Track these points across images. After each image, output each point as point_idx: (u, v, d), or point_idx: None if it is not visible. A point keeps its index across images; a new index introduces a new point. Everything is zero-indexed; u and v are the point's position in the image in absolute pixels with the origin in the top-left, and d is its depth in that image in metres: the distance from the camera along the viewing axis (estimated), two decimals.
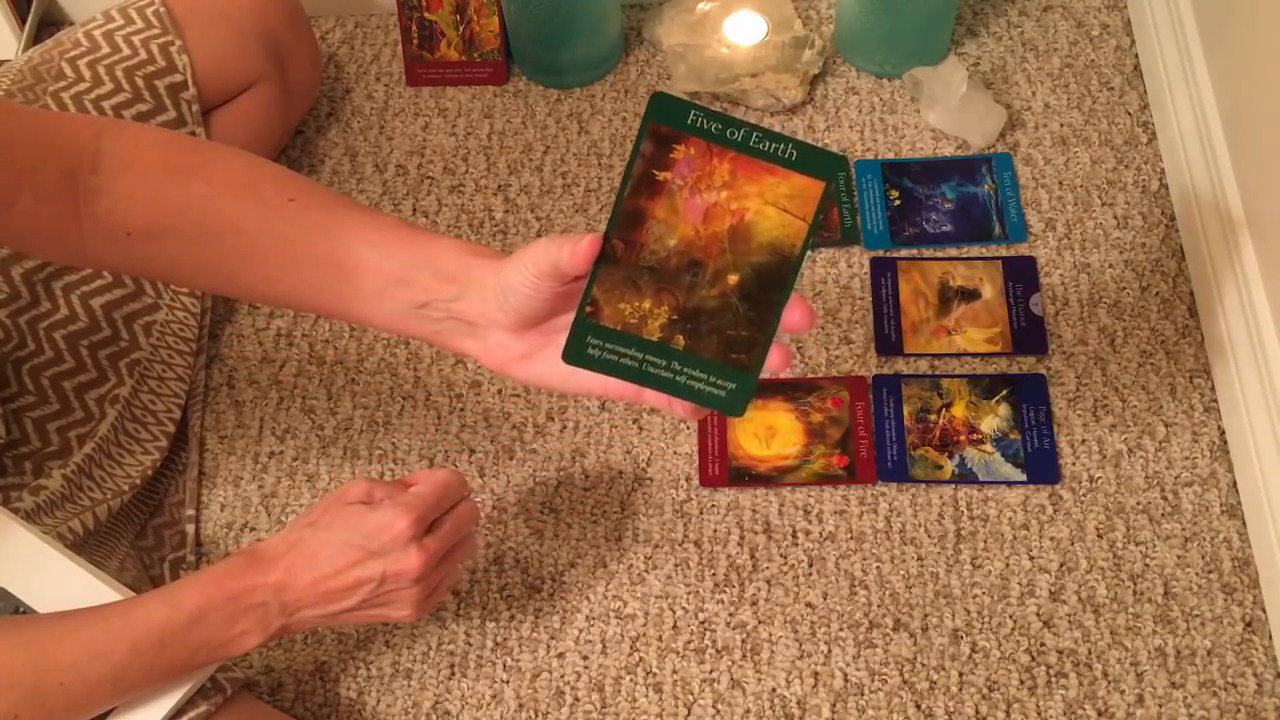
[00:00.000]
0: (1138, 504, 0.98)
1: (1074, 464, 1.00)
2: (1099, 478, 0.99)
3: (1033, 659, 0.92)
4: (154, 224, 0.69)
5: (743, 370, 0.61)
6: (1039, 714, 0.90)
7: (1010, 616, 0.94)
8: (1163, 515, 0.97)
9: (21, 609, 0.78)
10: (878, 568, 0.97)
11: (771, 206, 0.59)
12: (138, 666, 0.72)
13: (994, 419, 1.02)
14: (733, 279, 0.60)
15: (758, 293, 0.60)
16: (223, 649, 0.75)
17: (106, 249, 0.70)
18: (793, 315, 0.60)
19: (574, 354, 0.62)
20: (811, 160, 0.58)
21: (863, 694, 0.92)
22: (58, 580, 0.79)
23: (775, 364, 0.61)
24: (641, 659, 0.94)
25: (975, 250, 1.11)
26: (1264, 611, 0.93)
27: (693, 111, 0.59)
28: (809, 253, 0.59)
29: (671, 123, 0.59)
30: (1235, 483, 0.98)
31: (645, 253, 0.61)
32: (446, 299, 0.66)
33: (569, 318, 0.63)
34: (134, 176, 0.69)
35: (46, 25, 1.30)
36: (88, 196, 0.68)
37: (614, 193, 1.15)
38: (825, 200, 0.59)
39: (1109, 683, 0.91)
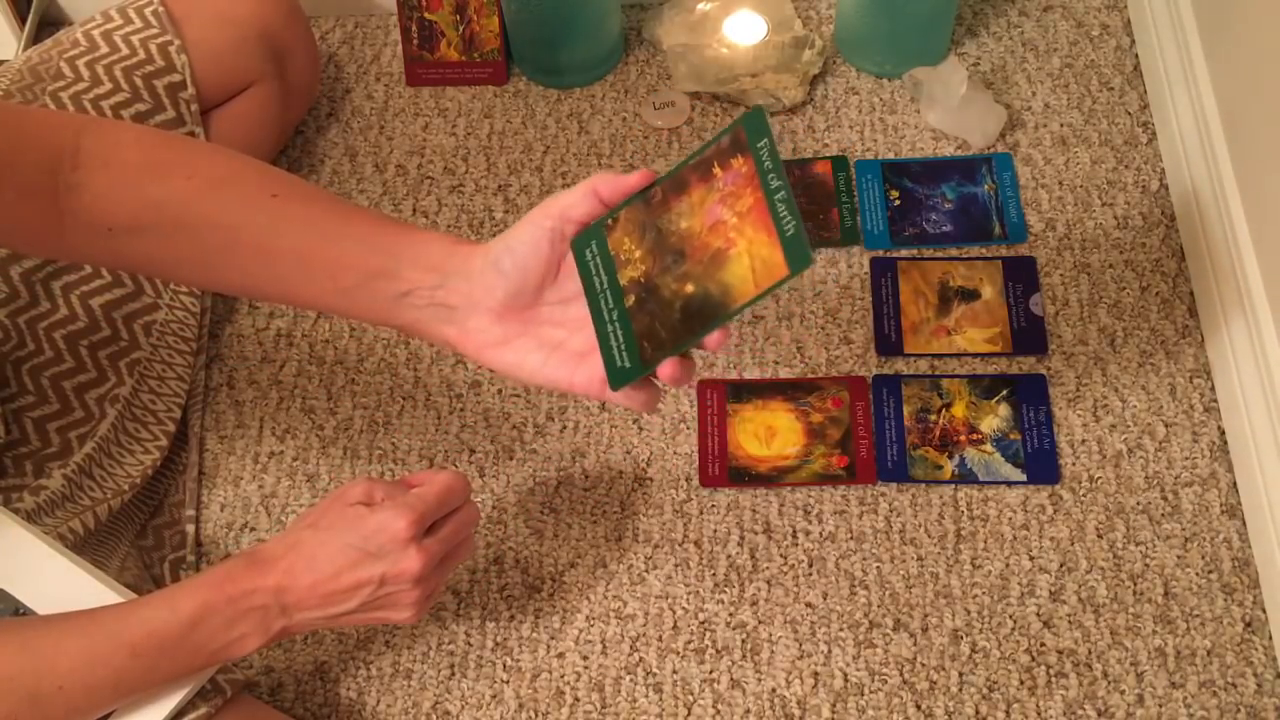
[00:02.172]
0: (1138, 504, 0.98)
1: (1074, 464, 1.00)
2: (1099, 478, 0.99)
3: (1033, 659, 0.92)
4: (134, 219, 0.70)
5: (641, 359, 0.65)
6: (1039, 714, 0.90)
7: (1010, 616, 0.94)
8: (1163, 515, 0.97)
9: (21, 610, 0.78)
10: (878, 568, 0.97)
11: (749, 257, 0.62)
12: (137, 670, 0.72)
13: (994, 419, 1.02)
14: (689, 288, 0.64)
15: (694, 311, 0.63)
16: (222, 652, 0.74)
17: (88, 244, 0.71)
18: (710, 337, 0.63)
19: (575, 243, 0.67)
20: (794, 247, 0.60)
21: (863, 694, 0.92)
22: (58, 581, 0.79)
23: (663, 374, 0.64)
24: (641, 659, 0.94)
25: (975, 250, 1.11)
26: (1264, 611, 0.93)
27: (767, 140, 0.62)
28: (741, 313, 0.63)
29: (750, 137, 0.62)
30: (1235, 483, 0.98)
31: (666, 216, 0.65)
32: (429, 286, 0.68)
33: (548, 311, 0.68)
34: (113, 173, 0.70)
35: (46, 25, 1.30)
36: (68, 193, 0.69)
37: None
38: (777, 287, 0.61)
39: (1109, 683, 0.91)
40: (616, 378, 0.66)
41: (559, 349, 0.68)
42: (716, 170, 0.63)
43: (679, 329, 0.64)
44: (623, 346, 0.65)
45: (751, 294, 0.61)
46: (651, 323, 0.65)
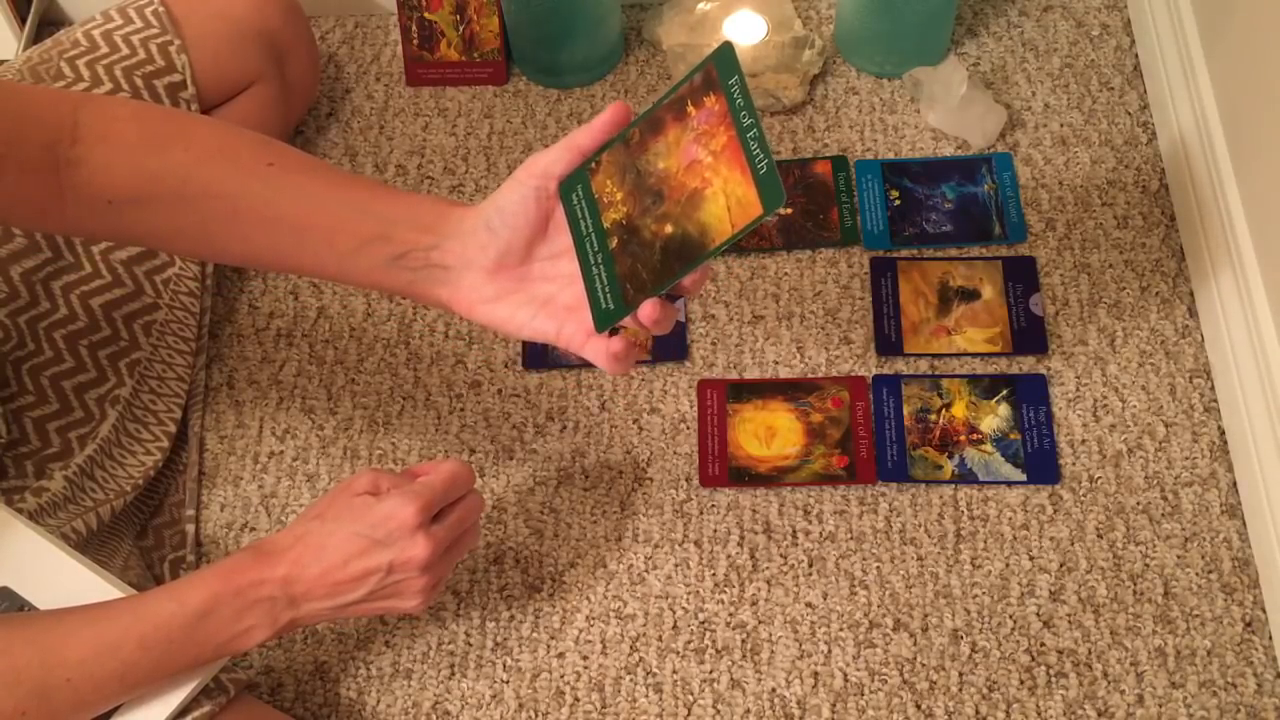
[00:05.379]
0: (1138, 504, 0.98)
1: (1074, 464, 1.00)
2: (1099, 478, 0.99)
3: (1033, 659, 0.92)
4: (134, 192, 0.71)
5: (624, 301, 0.65)
6: (1039, 714, 0.90)
7: (1010, 616, 0.94)
8: (1163, 515, 0.97)
9: (27, 608, 0.78)
10: (878, 568, 0.97)
11: (724, 196, 0.62)
12: (145, 663, 0.72)
13: (994, 419, 1.02)
14: (669, 229, 0.64)
15: (673, 252, 0.64)
16: (230, 644, 0.75)
17: (88, 217, 0.72)
18: (690, 278, 0.64)
19: (563, 188, 0.68)
20: (768, 185, 0.60)
21: (863, 694, 0.92)
22: (63, 580, 0.79)
23: (643, 315, 0.65)
24: (641, 659, 0.94)
25: (975, 250, 1.11)
26: (1264, 611, 0.93)
27: (737, 77, 0.62)
28: (721, 253, 0.63)
29: (721, 74, 0.63)
30: (1235, 483, 0.98)
31: (644, 157, 0.65)
32: (425, 248, 0.70)
33: (540, 267, 0.70)
34: (112, 146, 0.71)
35: (46, 25, 1.30)
36: (68, 168, 0.70)
37: None
38: (753, 225, 0.61)
39: (1109, 683, 0.91)
40: (601, 320, 0.66)
41: (549, 303, 0.69)
42: (690, 109, 0.64)
43: (659, 270, 0.64)
44: (607, 289, 0.66)
45: (729, 233, 0.61)
46: (634, 264, 0.65)
